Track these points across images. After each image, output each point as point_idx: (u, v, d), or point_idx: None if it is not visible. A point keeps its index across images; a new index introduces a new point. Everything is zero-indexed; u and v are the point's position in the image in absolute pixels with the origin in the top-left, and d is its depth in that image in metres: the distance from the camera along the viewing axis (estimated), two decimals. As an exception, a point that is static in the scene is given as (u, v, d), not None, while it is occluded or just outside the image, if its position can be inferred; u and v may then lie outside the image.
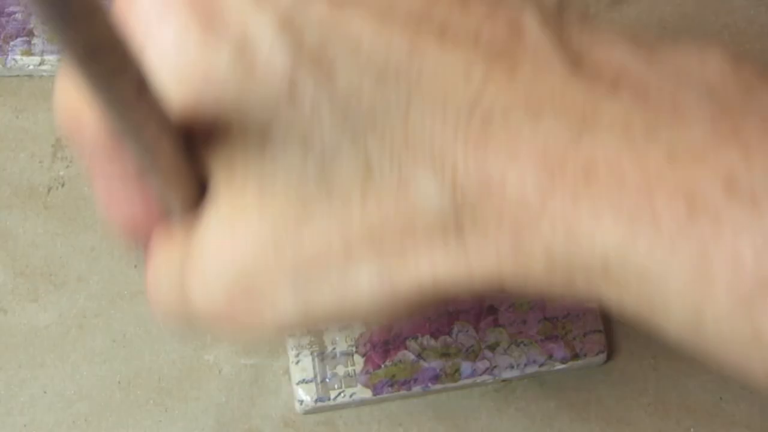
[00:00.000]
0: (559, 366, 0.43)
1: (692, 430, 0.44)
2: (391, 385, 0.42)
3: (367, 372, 0.43)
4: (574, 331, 0.43)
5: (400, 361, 0.43)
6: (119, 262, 0.46)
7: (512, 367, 0.43)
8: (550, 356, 0.43)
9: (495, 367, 0.43)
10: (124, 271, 0.46)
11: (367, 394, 0.43)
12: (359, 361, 0.43)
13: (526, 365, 0.43)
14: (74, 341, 0.45)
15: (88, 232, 0.46)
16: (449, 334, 0.43)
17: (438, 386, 0.43)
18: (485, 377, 0.43)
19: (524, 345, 0.43)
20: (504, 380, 0.43)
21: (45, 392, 0.44)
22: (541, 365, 0.43)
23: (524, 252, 0.23)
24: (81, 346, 0.45)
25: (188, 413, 0.44)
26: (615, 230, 0.22)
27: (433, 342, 0.43)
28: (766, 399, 0.45)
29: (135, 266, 0.46)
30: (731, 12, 0.51)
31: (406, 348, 0.43)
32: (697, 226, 0.22)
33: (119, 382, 0.44)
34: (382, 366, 0.43)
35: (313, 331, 0.43)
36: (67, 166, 0.47)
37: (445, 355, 0.43)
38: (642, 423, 0.44)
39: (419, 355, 0.43)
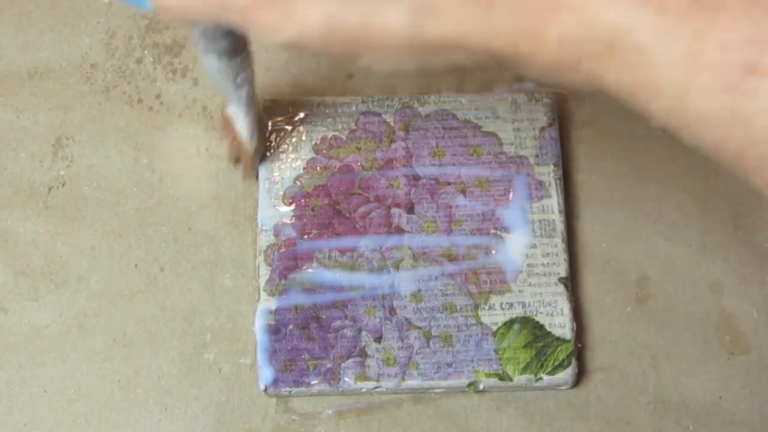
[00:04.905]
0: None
1: (692, 429, 0.44)
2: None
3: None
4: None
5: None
6: (119, 261, 0.46)
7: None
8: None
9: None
10: (124, 270, 0.46)
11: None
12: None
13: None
14: (74, 340, 0.45)
15: (89, 232, 0.46)
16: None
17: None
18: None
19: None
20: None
21: (45, 391, 0.44)
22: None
23: (542, 31, 0.27)
24: (81, 345, 0.45)
25: (188, 412, 0.44)
26: (626, 10, 0.26)
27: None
28: (765, 399, 0.45)
29: (135, 266, 0.46)
30: (731, 12, 0.51)
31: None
32: (697, 10, 0.25)
33: (119, 381, 0.44)
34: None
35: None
36: (68, 166, 0.47)
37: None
38: (642, 422, 0.44)
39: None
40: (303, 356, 0.43)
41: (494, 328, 0.44)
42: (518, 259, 0.45)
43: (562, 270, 0.45)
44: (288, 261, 0.45)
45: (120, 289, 0.46)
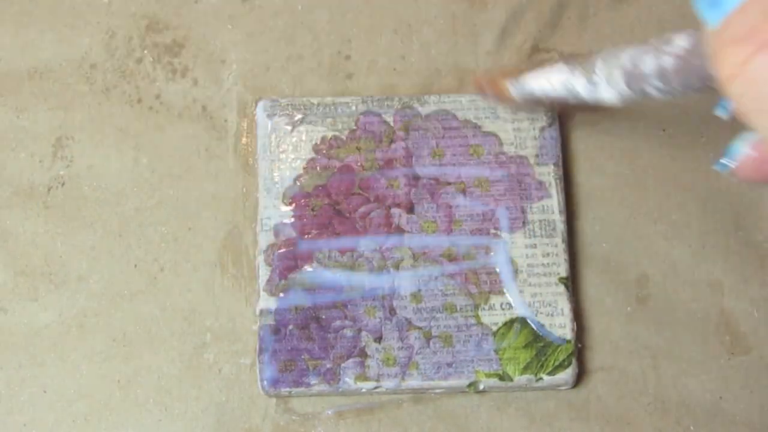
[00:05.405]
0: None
1: (692, 429, 0.44)
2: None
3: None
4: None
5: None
6: (119, 261, 0.46)
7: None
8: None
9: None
10: (124, 270, 0.46)
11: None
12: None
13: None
14: (74, 340, 0.45)
15: (88, 232, 0.46)
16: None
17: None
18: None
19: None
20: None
21: (45, 391, 0.44)
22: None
23: None
24: (81, 345, 0.45)
25: (188, 412, 0.44)
26: None
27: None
28: (765, 399, 0.45)
29: (135, 266, 0.46)
30: (731, 12, 0.51)
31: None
32: None
33: (119, 381, 0.44)
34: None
35: None
36: (67, 166, 0.47)
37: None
38: (642, 422, 0.44)
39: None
40: (303, 356, 0.43)
41: (494, 328, 0.44)
42: (518, 259, 0.45)
43: (562, 270, 0.45)
44: (288, 261, 0.45)
45: (120, 289, 0.46)
